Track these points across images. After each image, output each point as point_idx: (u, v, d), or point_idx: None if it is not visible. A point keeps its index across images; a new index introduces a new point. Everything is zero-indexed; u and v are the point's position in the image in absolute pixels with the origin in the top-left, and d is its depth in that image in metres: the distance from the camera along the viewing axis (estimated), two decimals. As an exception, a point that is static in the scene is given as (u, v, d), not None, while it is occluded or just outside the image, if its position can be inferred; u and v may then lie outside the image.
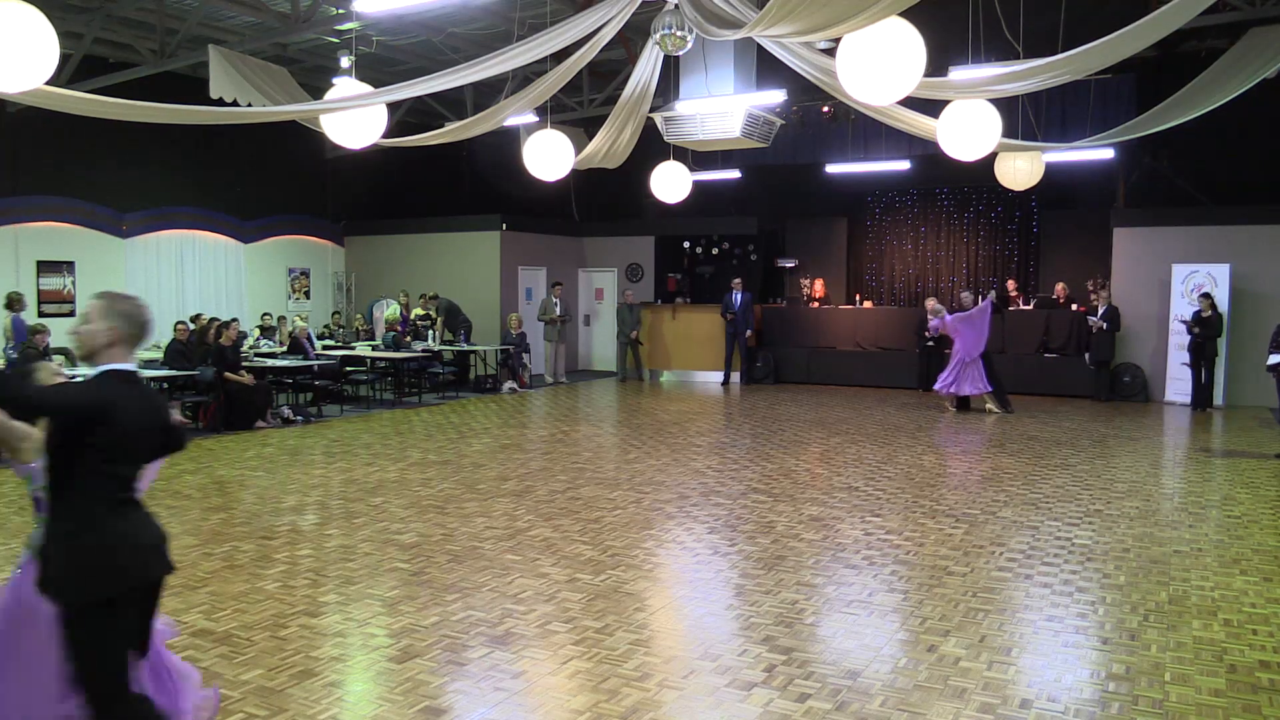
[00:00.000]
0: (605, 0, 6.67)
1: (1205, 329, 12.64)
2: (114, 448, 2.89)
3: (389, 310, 16.26)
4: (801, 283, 17.74)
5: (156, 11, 11.13)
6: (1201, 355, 12.84)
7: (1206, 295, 12.79)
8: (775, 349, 16.86)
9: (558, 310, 16.52)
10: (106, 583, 2.87)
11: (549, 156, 8.57)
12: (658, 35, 6.96)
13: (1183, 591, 5.30)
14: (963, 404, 12.89)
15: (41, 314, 13.23)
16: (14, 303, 11.65)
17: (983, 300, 12.78)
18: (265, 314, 15.14)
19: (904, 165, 15.28)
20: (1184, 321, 12.98)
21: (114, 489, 2.94)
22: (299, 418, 11.89)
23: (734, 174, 16.41)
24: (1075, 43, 6.39)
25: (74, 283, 13.90)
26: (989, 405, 12.69)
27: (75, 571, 2.86)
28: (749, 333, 16.43)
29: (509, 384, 15.37)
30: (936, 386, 12.96)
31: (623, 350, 17.29)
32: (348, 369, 13.98)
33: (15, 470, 3.34)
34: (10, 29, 5.14)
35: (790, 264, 18.12)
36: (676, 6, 6.86)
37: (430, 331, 15.43)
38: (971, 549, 6.13)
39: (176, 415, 3.26)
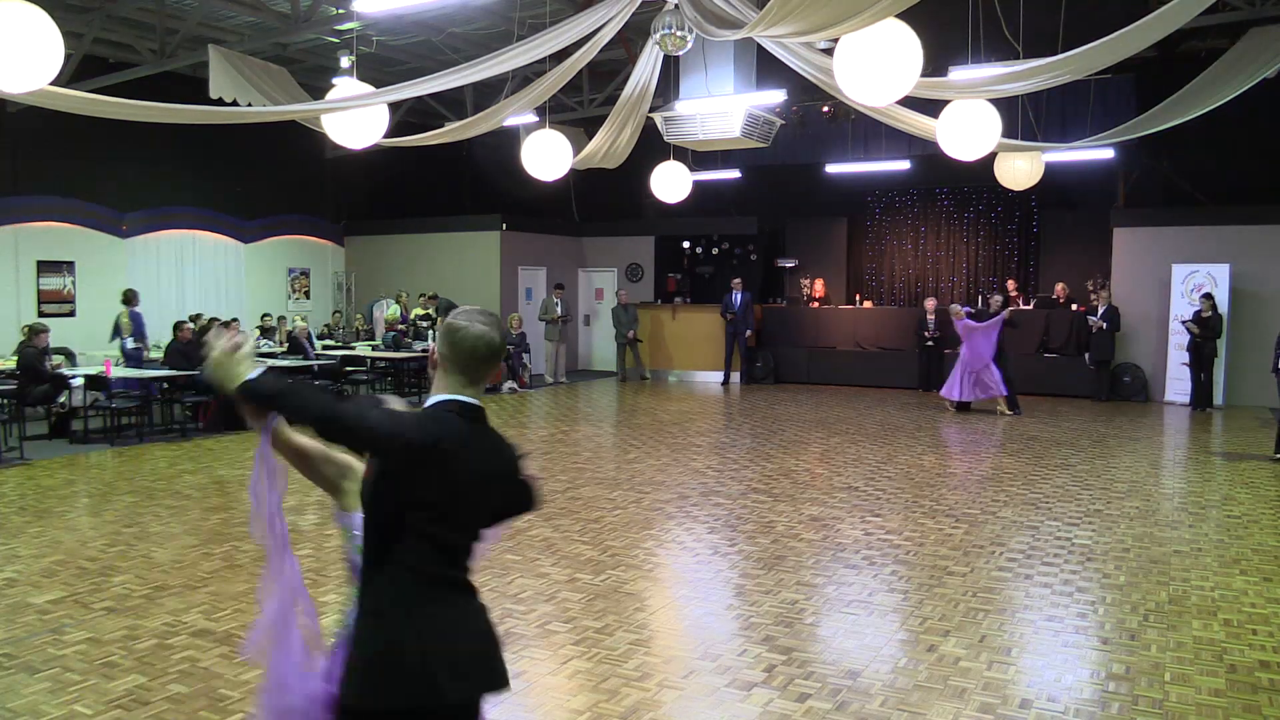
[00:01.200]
0: (605, 0, 6.67)
1: (1205, 329, 12.65)
2: (444, 504, 2.20)
3: (389, 310, 16.26)
4: (801, 283, 17.73)
5: (156, 11, 11.13)
6: (1201, 355, 12.83)
7: (1208, 295, 12.79)
8: (775, 349, 16.85)
9: (559, 310, 16.53)
10: (402, 692, 2.16)
11: (547, 156, 8.57)
12: (658, 35, 6.96)
13: (1183, 591, 5.30)
14: (963, 405, 12.85)
15: (41, 314, 13.22)
16: (131, 298, 12.95)
17: (1003, 311, 12.60)
18: (265, 314, 15.14)
19: (904, 165, 15.27)
20: (1184, 322, 12.97)
21: (439, 564, 2.25)
22: (299, 418, 11.85)
23: (734, 174, 16.40)
24: (1075, 43, 6.38)
25: (74, 283, 13.89)
26: (1001, 408, 12.53)
27: (367, 667, 2.19)
28: (749, 333, 16.43)
29: (509, 384, 15.38)
30: (942, 392, 12.89)
31: (621, 350, 17.26)
32: (348, 369, 13.98)
33: (336, 519, 2.64)
34: (16, 30, 5.14)
35: (790, 264, 18.11)
36: (676, 6, 6.86)
37: (430, 331, 15.42)
38: (971, 549, 6.13)
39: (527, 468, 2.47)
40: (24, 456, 9.26)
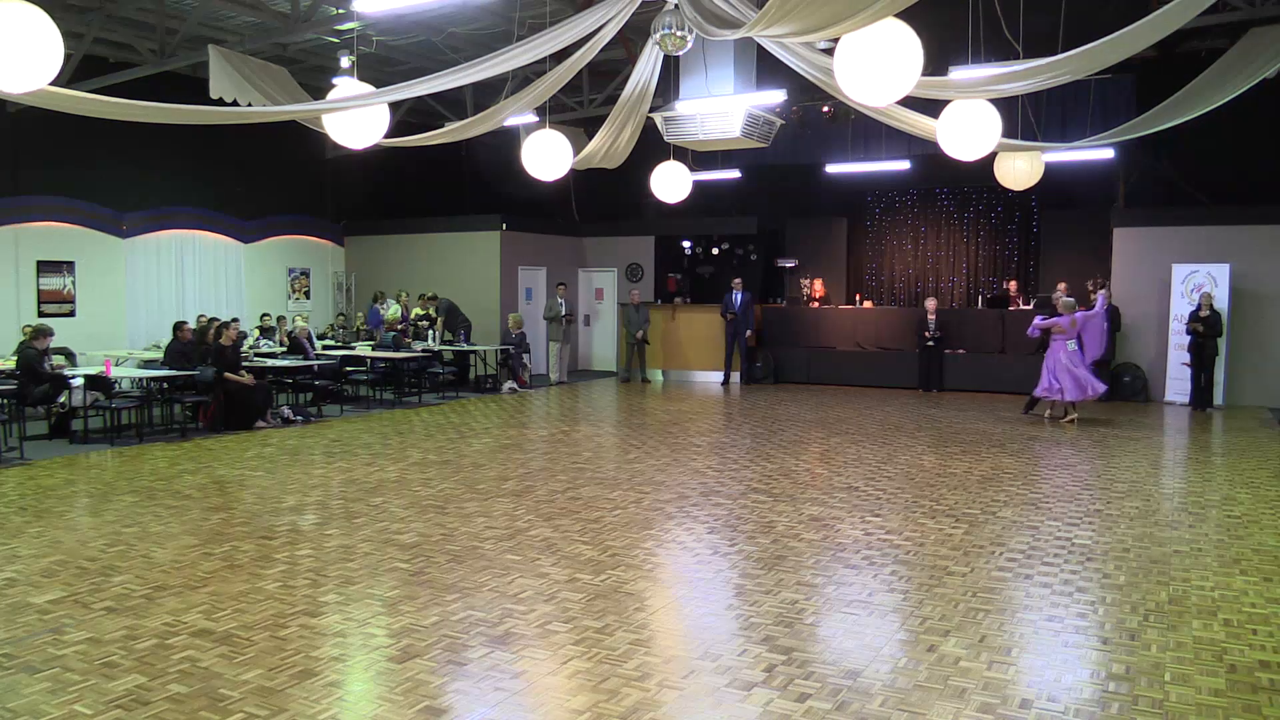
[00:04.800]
0: (605, 0, 6.67)
1: (1206, 328, 12.63)
2: None
3: (390, 310, 16.26)
4: (801, 283, 17.74)
5: (156, 11, 11.14)
6: (1203, 355, 12.81)
7: (1206, 294, 12.79)
8: (775, 349, 16.86)
9: (562, 310, 16.54)
10: None
11: (547, 156, 8.57)
12: (658, 35, 6.96)
13: (1183, 591, 5.30)
14: (1032, 404, 12.24)
15: (41, 314, 13.23)
16: (378, 297, 16.50)
17: (1100, 303, 11.66)
18: (265, 314, 15.14)
19: (904, 165, 15.28)
20: (1186, 322, 12.92)
21: None
22: (299, 418, 11.88)
23: (734, 174, 16.41)
24: (1075, 43, 6.38)
25: (74, 283, 13.90)
26: (1074, 415, 11.78)
27: None
28: (749, 333, 16.43)
29: (509, 384, 15.37)
30: (1042, 393, 11.66)
31: (629, 351, 17.22)
32: (348, 369, 13.98)
33: None
34: (15, 30, 5.14)
35: (790, 264, 18.12)
36: (676, 6, 6.86)
37: (430, 331, 15.43)
38: (971, 549, 6.13)
39: None
40: (24, 456, 9.26)
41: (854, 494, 7.77)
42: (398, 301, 16.26)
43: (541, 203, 17.77)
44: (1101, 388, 11.56)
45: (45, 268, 13.58)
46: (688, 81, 9.96)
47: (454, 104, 15.29)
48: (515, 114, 9.57)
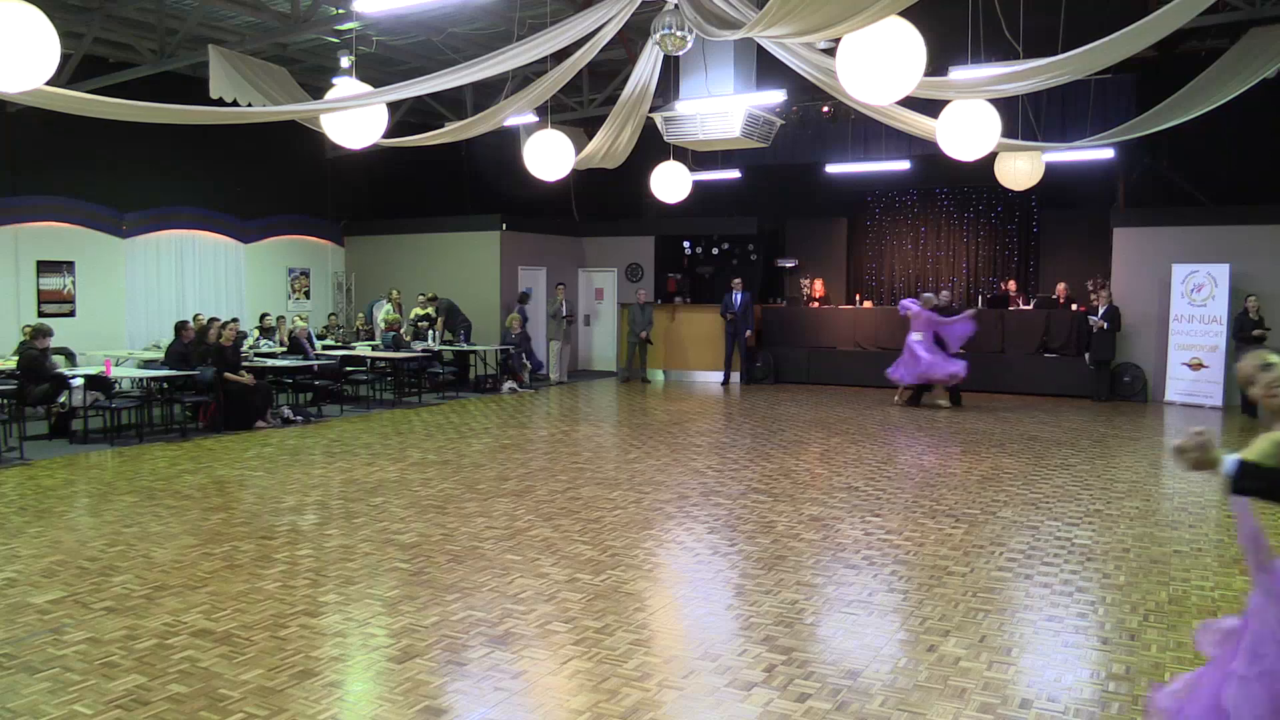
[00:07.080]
0: (605, 0, 6.67)
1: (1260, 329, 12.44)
2: None
3: (385, 311, 16.23)
4: (801, 283, 17.73)
5: (156, 11, 11.13)
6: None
7: (1253, 297, 12.63)
8: (775, 349, 16.85)
9: (564, 310, 16.54)
10: None
11: (549, 156, 8.57)
12: (658, 35, 6.97)
13: (1183, 591, 5.30)
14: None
15: (41, 314, 13.22)
16: (524, 298, 16.44)
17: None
18: (264, 314, 15.13)
19: (904, 165, 15.27)
20: (1254, 333, 12.41)
21: None
22: (299, 418, 11.88)
23: (734, 174, 16.40)
24: (1075, 43, 6.39)
25: (74, 283, 13.89)
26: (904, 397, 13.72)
27: None
28: (749, 333, 16.43)
29: (509, 384, 15.37)
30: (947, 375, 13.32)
31: (631, 350, 17.20)
32: (348, 369, 13.98)
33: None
34: (11, 29, 5.14)
35: (790, 264, 18.11)
36: (676, 6, 6.86)
37: (430, 331, 15.42)
38: (971, 549, 6.13)
39: None
40: (24, 456, 9.26)
41: (854, 494, 7.77)
42: (390, 300, 16.14)
43: (541, 203, 17.76)
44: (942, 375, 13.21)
45: (45, 268, 13.57)
46: (688, 81, 9.96)
47: (454, 104, 15.29)
48: (515, 114, 9.57)
